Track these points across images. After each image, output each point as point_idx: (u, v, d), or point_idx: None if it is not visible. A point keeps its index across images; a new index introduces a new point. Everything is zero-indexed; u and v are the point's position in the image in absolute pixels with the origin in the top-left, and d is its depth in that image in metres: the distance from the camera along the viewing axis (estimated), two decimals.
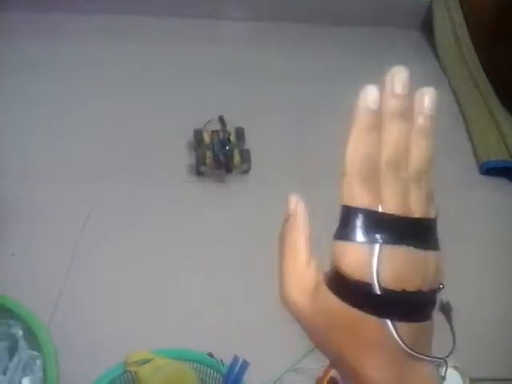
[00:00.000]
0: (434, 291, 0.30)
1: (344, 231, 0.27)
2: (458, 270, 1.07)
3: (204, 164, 1.17)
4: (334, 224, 0.34)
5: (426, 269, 0.27)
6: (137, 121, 1.35)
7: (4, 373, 0.69)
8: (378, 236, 0.26)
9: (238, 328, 0.89)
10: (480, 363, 0.87)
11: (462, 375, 0.81)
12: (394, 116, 0.29)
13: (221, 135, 1.19)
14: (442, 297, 1.03)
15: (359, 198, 0.28)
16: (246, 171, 1.20)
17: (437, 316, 1.00)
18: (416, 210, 0.28)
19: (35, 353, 0.69)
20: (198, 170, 1.18)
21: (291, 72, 1.57)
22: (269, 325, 0.92)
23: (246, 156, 1.19)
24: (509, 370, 0.90)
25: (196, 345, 0.73)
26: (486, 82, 1.52)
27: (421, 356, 0.27)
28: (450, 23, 1.68)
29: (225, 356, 0.72)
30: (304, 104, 1.46)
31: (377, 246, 0.25)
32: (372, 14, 1.75)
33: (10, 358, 0.70)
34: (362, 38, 1.74)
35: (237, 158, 1.18)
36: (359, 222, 0.27)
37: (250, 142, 1.24)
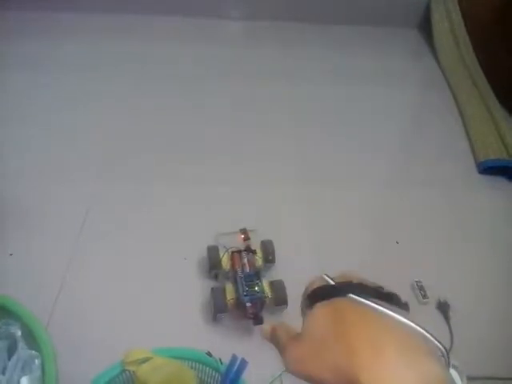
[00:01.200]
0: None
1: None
2: (457, 269, 1.08)
3: (224, 310, 0.86)
4: None
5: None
6: (137, 121, 1.35)
7: (3, 372, 0.69)
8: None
9: (236, 328, 0.89)
10: (478, 362, 0.87)
11: (460, 374, 0.81)
12: None
13: (244, 260, 0.89)
14: (440, 296, 1.04)
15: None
16: (280, 309, 0.88)
17: (435, 314, 1.01)
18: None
19: (34, 352, 0.69)
20: (216, 318, 0.88)
21: (290, 71, 1.58)
22: (267, 324, 0.92)
23: (279, 293, 0.86)
24: (507, 368, 0.90)
25: (195, 344, 0.73)
26: (484, 81, 1.52)
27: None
28: (449, 23, 1.68)
29: (223, 355, 0.72)
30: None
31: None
32: (371, 14, 1.75)
33: (9, 358, 0.70)
34: (361, 37, 1.74)
35: (267, 293, 0.86)
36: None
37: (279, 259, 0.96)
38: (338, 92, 1.51)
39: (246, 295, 0.84)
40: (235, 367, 0.72)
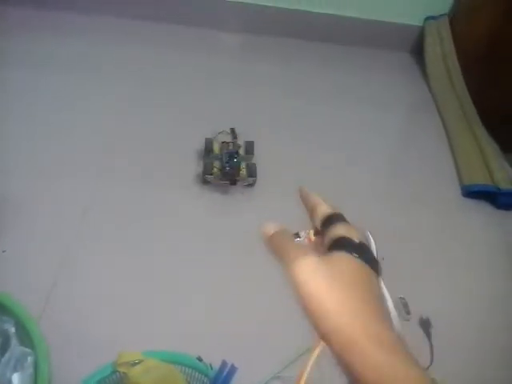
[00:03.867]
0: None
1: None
2: (440, 287, 1.11)
3: (210, 173, 1.18)
4: None
5: None
6: (139, 121, 1.37)
7: None
8: None
9: (227, 334, 0.91)
10: (458, 377, 0.90)
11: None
12: None
13: (230, 147, 1.22)
14: (422, 313, 1.08)
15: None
16: (251, 185, 1.22)
17: (417, 331, 1.04)
18: None
19: (27, 350, 0.70)
20: (204, 179, 1.20)
21: (286, 85, 1.61)
22: (257, 333, 0.95)
23: (252, 170, 1.21)
24: None
25: (186, 348, 0.74)
26: (472, 108, 1.57)
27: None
28: (441, 49, 1.74)
29: (214, 360, 0.73)
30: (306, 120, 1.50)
31: None
32: (366, 36, 1.81)
33: (2, 354, 0.71)
34: (355, 58, 1.80)
35: (243, 171, 1.20)
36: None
37: (258, 157, 1.27)
38: (328, 109, 1.55)
39: (227, 162, 1.17)
40: (225, 373, 0.74)
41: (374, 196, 1.31)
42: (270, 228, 0.38)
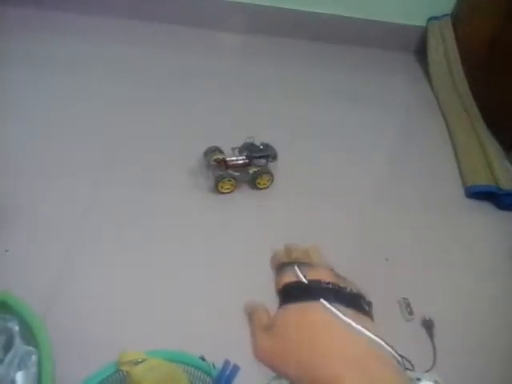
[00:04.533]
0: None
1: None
2: (443, 288, 1.11)
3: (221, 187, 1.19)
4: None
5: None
6: (138, 121, 1.38)
7: None
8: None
9: (230, 333, 0.90)
10: (460, 378, 0.90)
11: None
12: None
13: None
14: (425, 313, 1.08)
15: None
16: (274, 157, 1.22)
17: (420, 331, 1.04)
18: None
19: (31, 348, 0.70)
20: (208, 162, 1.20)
21: (287, 85, 1.62)
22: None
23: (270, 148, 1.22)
24: None
25: (189, 348, 0.74)
26: (475, 108, 1.57)
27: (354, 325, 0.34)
28: (444, 50, 1.74)
29: (216, 360, 0.73)
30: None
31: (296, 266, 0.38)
32: (370, 37, 1.81)
33: (5, 353, 0.71)
34: (358, 58, 1.80)
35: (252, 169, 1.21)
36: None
37: None
38: (330, 109, 1.55)
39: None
40: (227, 372, 0.73)
41: (377, 197, 1.32)
42: (249, 307, 0.42)
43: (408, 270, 1.13)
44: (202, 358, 0.75)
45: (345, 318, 0.33)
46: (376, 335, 0.33)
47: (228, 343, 0.86)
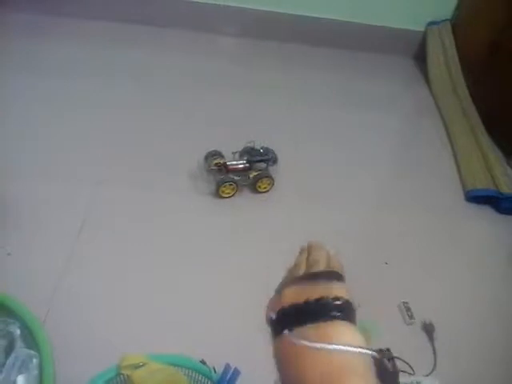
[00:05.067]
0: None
1: None
2: (443, 292, 1.11)
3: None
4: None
5: None
6: (138, 124, 1.38)
7: (0, 370, 0.70)
8: None
9: (231, 337, 0.91)
10: (461, 381, 0.90)
11: None
12: None
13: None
14: (425, 317, 1.08)
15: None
16: (274, 161, 1.23)
17: (420, 335, 1.04)
18: None
19: (32, 352, 0.70)
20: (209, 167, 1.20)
21: (288, 89, 1.62)
22: (261, 336, 0.94)
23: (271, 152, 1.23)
24: None
25: (189, 351, 0.75)
26: (474, 112, 1.58)
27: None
28: (443, 54, 1.75)
29: (217, 364, 0.74)
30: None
31: None
32: (370, 41, 1.82)
33: (7, 357, 0.71)
34: (359, 62, 1.81)
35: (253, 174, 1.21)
36: None
37: None
38: (331, 113, 1.56)
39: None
40: (228, 376, 0.74)
41: (377, 200, 1.32)
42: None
43: (408, 273, 1.13)
44: (203, 362, 0.75)
45: (308, 344, 0.33)
46: (341, 344, 0.33)
47: (229, 347, 0.87)
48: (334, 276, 0.38)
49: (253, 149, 1.23)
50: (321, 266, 0.40)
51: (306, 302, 0.35)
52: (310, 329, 0.34)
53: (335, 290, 0.36)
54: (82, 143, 1.29)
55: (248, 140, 1.23)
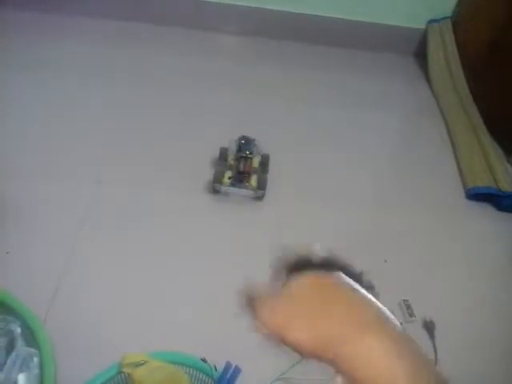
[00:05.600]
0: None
1: None
2: (443, 289, 1.11)
3: (220, 182, 1.18)
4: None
5: None
6: (139, 123, 1.38)
7: (1, 369, 0.70)
8: None
9: (231, 335, 0.91)
10: (461, 379, 0.90)
11: None
12: None
13: (248, 161, 1.21)
14: (426, 315, 1.08)
15: None
16: (259, 198, 1.21)
17: (421, 333, 1.04)
18: None
19: (33, 350, 0.70)
20: (213, 188, 1.19)
21: (287, 88, 1.62)
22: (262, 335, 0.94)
23: (262, 182, 1.20)
24: None
25: (190, 350, 0.75)
26: (475, 110, 1.58)
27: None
28: (444, 52, 1.75)
29: (218, 362, 0.74)
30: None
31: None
32: (370, 39, 1.81)
33: (7, 355, 0.71)
34: (359, 61, 1.80)
35: (253, 183, 1.20)
36: None
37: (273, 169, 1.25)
38: (331, 112, 1.55)
39: (239, 157, 1.21)
40: (228, 374, 0.74)
41: (377, 198, 1.32)
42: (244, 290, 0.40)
43: (408, 271, 1.13)
44: (204, 360, 0.75)
45: (359, 288, 0.34)
46: (384, 307, 0.34)
47: (229, 345, 0.87)
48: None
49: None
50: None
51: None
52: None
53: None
54: (82, 143, 1.29)
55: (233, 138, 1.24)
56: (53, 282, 0.96)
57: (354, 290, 0.34)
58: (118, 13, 1.71)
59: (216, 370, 0.74)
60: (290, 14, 1.74)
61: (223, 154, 1.25)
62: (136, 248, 1.06)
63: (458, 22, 1.77)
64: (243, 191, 1.19)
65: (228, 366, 0.74)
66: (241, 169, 1.19)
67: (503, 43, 1.53)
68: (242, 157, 1.21)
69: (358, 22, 1.77)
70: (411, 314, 1.01)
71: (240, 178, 1.19)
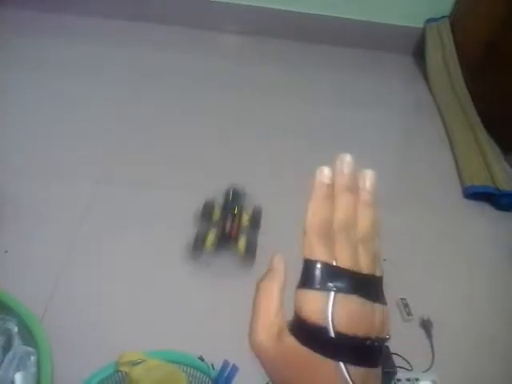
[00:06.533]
0: (381, 340, 0.31)
1: (304, 280, 0.30)
2: (441, 288, 1.12)
3: (202, 248, 1.02)
4: None
5: (374, 318, 0.30)
6: (139, 122, 1.38)
7: None
8: (332, 285, 0.29)
9: (229, 334, 0.91)
10: (458, 379, 0.90)
11: None
12: (342, 190, 0.34)
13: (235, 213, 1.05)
14: (423, 314, 1.08)
15: (317, 252, 0.30)
16: (249, 265, 1.01)
17: (418, 332, 1.04)
18: (364, 268, 0.32)
19: (30, 349, 0.70)
20: (194, 250, 1.03)
21: (288, 87, 1.62)
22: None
23: (251, 248, 1.01)
24: None
25: (188, 348, 0.75)
26: (472, 109, 1.58)
27: None
28: (442, 52, 1.75)
29: (215, 360, 0.74)
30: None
31: (332, 294, 0.29)
32: (369, 38, 1.81)
33: (4, 354, 0.71)
34: (358, 60, 1.80)
35: (242, 244, 1.02)
36: (317, 272, 0.30)
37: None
38: (329, 111, 1.55)
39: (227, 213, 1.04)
40: (226, 373, 0.74)
41: (375, 197, 1.32)
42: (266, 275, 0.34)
43: (406, 270, 1.13)
44: (201, 359, 0.75)
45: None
46: None
47: (227, 344, 0.87)
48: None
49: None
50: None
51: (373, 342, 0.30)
52: (357, 369, 0.28)
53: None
54: (82, 143, 1.29)
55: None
56: (51, 281, 0.96)
57: None
58: (119, 12, 1.71)
59: (213, 368, 0.74)
60: (289, 13, 1.74)
61: (208, 208, 1.08)
62: (134, 248, 1.06)
63: (456, 21, 1.77)
64: (228, 258, 1.02)
65: (225, 364, 0.74)
66: (227, 230, 1.02)
67: (501, 42, 1.53)
68: (229, 213, 1.05)
69: (356, 21, 1.77)
70: (409, 313, 1.01)
71: (226, 241, 1.02)
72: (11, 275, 0.95)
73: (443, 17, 1.79)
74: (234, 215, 1.04)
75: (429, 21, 1.79)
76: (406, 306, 1.02)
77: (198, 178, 1.24)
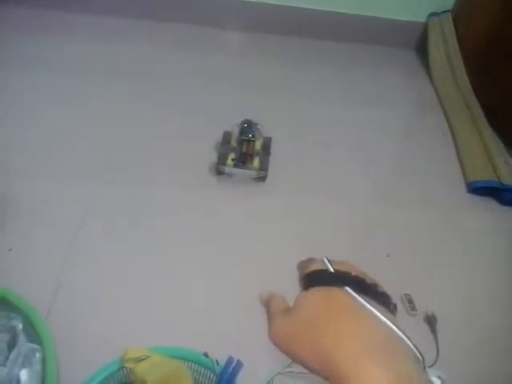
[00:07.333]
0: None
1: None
2: (445, 283, 1.11)
3: (224, 164, 1.21)
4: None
5: (361, 268, 0.38)
6: (141, 120, 1.38)
7: (4, 364, 0.70)
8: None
9: (233, 330, 0.91)
10: (463, 374, 0.90)
11: None
12: None
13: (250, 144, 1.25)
14: (428, 309, 1.07)
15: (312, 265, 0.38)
16: (262, 179, 1.23)
17: (423, 327, 1.04)
18: None
19: (35, 346, 0.70)
20: (217, 169, 1.22)
21: (289, 83, 1.62)
22: (264, 328, 0.94)
23: (264, 163, 1.23)
24: (491, 380, 0.93)
25: (192, 344, 0.75)
26: (476, 104, 1.57)
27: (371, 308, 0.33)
28: (444, 46, 1.74)
29: (220, 356, 0.74)
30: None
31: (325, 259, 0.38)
32: (371, 33, 1.81)
33: (10, 351, 0.71)
34: (360, 55, 1.79)
35: (256, 163, 1.23)
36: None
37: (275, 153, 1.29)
38: (332, 107, 1.55)
39: (242, 140, 1.26)
40: (231, 369, 0.74)
41: (378, 193, 1.32)
42: (266, 294, 0.41)
43: (410, 265, 1.13)
44: (206, 355, 0.75)
45: (368, 306, 0.32)
46: (399, 329, 0.32)
47: (231, 339, 0.87)
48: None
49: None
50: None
51: (373, 285, 0.36)
52: (370, 300, 0.34)
53: None
54: (82, 143, 1.29)
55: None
56: (54, 280, 0.96)
57: (365, 307, 0.32)
58: (119, 10, 1.70)
59: (218, 364, 0.74)
60: (290, 9, 1.73)
61: (227, 137, 1.28)
62: (135, 245, 1.06)
63: (459, 15, 1.76)
64: (246, 172, 1.22)
65: (230, 360, 0.74)
66: (243, 150, 1.22)
67: (505, 36, 1.52)
68: (244, 140, 1.25)
69: (358, 15, 1.76)
70: (413, 308, 1.01)
71: (243, 160, 1.22)
72: (15, 273, 0.96)
73: (446, 11, 1.78)
74: (248, 140, 1.25)
75: (431, 15, 1.78)
76: (411, 301, 1.02)
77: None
